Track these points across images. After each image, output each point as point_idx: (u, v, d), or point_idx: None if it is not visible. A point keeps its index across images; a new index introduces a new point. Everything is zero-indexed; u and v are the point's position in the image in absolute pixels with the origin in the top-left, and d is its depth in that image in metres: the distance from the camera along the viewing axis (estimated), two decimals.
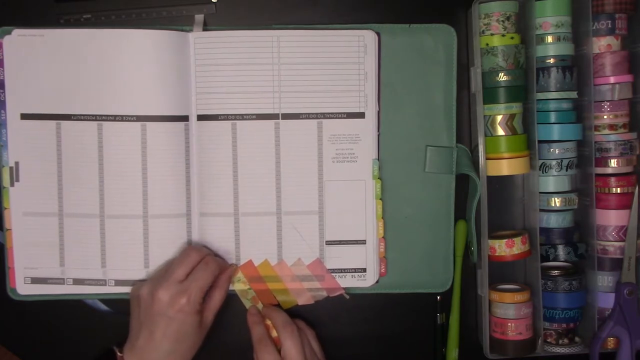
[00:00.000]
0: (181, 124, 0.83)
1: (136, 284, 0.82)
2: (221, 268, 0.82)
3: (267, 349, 0.80)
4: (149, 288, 0.78)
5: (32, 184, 0.83)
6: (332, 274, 0.86)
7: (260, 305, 0.86)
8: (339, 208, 0.85)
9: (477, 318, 0.89)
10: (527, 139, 0.85)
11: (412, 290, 0.88)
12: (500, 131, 0.84)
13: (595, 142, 0.84)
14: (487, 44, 0.83)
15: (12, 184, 0.83)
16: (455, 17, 0.87)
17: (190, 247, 0.83)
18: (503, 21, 0.82)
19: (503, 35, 0.83)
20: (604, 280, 0.86)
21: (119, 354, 0.78)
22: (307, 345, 0.81)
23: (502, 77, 0.82)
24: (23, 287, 0.85)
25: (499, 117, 0.83)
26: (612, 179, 0.84)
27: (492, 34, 0.83)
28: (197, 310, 0.78)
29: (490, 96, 0.83)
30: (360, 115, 0.84)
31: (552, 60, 0.83)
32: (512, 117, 0.83)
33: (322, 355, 0.83)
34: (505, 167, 0.83)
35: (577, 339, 0.87)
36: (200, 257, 0.80)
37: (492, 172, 0.84)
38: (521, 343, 0.85)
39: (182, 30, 0.83)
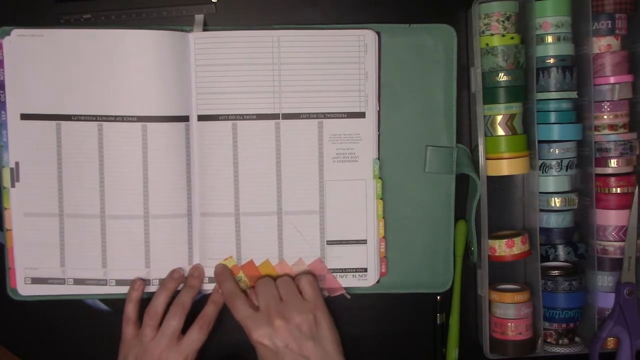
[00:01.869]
0: (182, 124, 0.83)
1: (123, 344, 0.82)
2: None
3: (239, 300, 0.80)
4: (142, 349, 0.79)
5: (32, 185, 0.83)
6: (333, 273, 0.86)
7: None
8: (339, 208, 0.85)
9: (477, 318, 0.89)
10: (527, 139, 0.85)
11: (412, 290, 0.88)
12: (500, 131, 0.84)
13: (595, 142, 0.84)
14: (487, 44, 0.83)
15: (12, 185, 0.83)
16: (455, 17, 0.87)
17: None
18: (503, 21, 0.83)
19: (503, 35, 0.83)
20: (604, 280, 0.86)
21: None
22: (291, 293, 0.80)
23: (502, 77, 0.82)
24: (24, 287, 0.85)
25: (499, 117, 0.84)
26: (612, 179, 0.84)
27: (492, 34, 0.83)
28: None
29: (490, 96, 0.83)
30: (361, 115, 0.84)
31: (552, 60, 0.83)
32: (512, 117, 0.83)
33: (318, 299, 0.81)
34: (505, 167, 0.83)
35: (577, 339, 0.88)
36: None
37: (492, 172, 0.84)
38: (521, 343, 0.85)
39: (182, 30, 0.83)
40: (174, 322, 0.79)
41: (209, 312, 0.82)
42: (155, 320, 0.80)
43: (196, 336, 0.80)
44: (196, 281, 0.84)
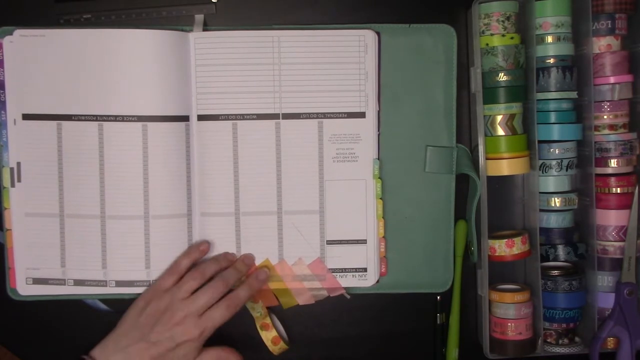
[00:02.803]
0: (182, 124, 0.83)
1: (152, 290, 0.80)
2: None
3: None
4: (169, 302, 0.78)
5: (33, 185, 0.83)
6: (333, 273, 0.86)
7: (260, 305, 0.86)
8: (339, 208, 0.85)
9: (477, 318, 0.89)
10: (527, 139, 0.85)
11: (412, 290, 0.88)
12: (500, 131, 0.84)
13: (595, 142, 0.84)
14: (487, 44, 0.83)
15: (13, 185, 0.83)
16: (455, 17, 0.87)
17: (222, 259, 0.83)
18: (503, 21, 0.83)
19: (503, 35, 0.83)
20: (604, 280, 0.86)
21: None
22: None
23: (502, 77, 0.82)
24: (24, 287, 0.85)
25: (499, 117, 0.84)
26: (612, 179, 0.84)
27: (492, 34, 0.83)
28: (202, 343, 0.78)
29: (490, 96, 0.83)
30: (361, 115, 0.84)
31: (552, 60, 0.83)
32: (512, 117, 0.83)
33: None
34: (505, 167, 0.83)
35: (577, 339, 0.88)
36: (222, 267, 0.82)
37: (492, 172, 0.84)
38: (521, 343, 0.85)
39: (182, 30, 0.83)
40: (208, 295, 0.78)
41: (241, 294, 0.80)
42: (198, 281, 0.79)
43: (220, 313, 0.78)
44: (243, 266, 0.84)
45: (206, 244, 0.84)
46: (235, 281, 0.82)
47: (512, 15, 0.83)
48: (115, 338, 0.78)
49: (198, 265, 0.82)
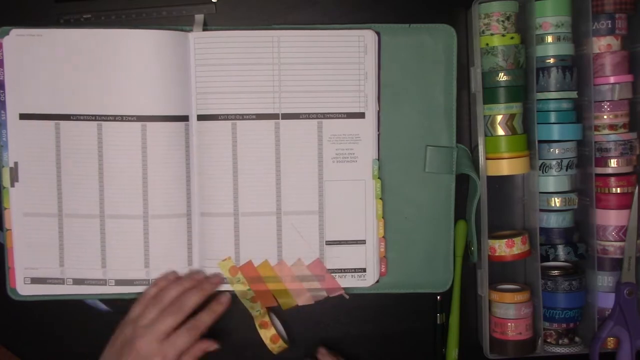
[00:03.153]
0: (181, 124, 0.83)
1: (123, 321, 0.81)
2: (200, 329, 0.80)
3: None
4: (132, 331, 0.78)
5: (32, 184, 0.83)
6: (332, 274, 0.86)
7: (259, 304, 0.85)
8: (339, 208, 0.85)
9: (477, 318, 0.89)
10: (527, 139, 0.85)
11: (412, 290, 0.88)
12: (500, 131, 0.84)
13: (595, 142, 0.84)
14: (487, 44, 0.83)
15: (12, 184, 0.83)
16: (455, 17, 0.87)
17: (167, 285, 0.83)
18: (503, 21, 0.82)
19: (503, 35, 0.83)
20: (604, 280, 0.86)
21: None
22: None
23: (502, 77, 0.82)
24: (23, 287, 0.85)
25: (499, 117, 0.83)
26: (612, 179, 0.84)
27: (492, 34, 0.83)
28: None
29: (490, 96, 0.83)
30: (360, 115, 0.84)
31: (552, 60, 0.83)
32: (512, 117, 0.83)
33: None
34: (505, 167, 0.83)
35: (577, 339, 0.88)
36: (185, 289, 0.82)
37: (492, 172, 0.84)
38: (521, 343, 0.85)
39: (182, 30, 0.83)
40: (167, 322, 0.78)
41: (203, 318, 0.80)
42: (158, 308, 0.79)
43: (182, 339, 0.77)
44: (209, 285, 0.83)
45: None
46: (198, 303, 0.81)
47: (512, 15, 0.83)
48: None
49: (161, 290, 0.81)
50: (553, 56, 0.83)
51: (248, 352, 0.84)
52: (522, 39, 0.84)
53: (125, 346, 0.77)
